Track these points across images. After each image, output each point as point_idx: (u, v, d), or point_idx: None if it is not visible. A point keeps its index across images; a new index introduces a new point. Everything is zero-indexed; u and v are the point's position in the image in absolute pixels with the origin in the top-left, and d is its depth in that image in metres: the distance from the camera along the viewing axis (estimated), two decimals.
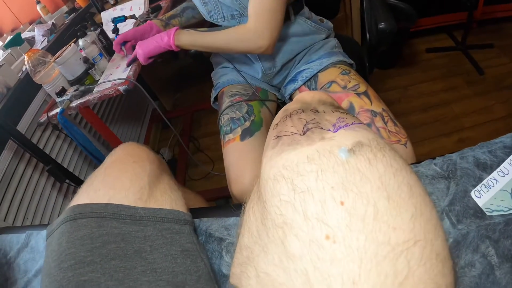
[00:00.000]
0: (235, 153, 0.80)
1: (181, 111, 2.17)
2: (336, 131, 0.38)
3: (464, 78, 1.75)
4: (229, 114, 0.87)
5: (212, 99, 1.02)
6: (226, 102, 0.91)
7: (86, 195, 0.47)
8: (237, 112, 0.86)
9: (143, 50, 0.88)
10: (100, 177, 0.50)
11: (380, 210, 0.28)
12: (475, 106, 1.59)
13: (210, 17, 0.86)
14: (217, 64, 1.05)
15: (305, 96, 0.50)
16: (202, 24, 0.97)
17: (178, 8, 1.04)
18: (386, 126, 0.71)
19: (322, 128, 0.39)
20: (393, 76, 1.89)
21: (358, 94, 0.77)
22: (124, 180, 0.49)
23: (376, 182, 0.30)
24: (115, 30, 1.13)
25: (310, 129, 0.39)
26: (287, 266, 0.28)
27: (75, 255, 0.39)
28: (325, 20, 0.94)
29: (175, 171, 1.75)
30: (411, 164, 0.51)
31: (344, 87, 0.80)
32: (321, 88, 0.85)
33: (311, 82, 0.88)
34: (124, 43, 1.02)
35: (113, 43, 1.01)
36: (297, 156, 0.34)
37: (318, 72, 0.87)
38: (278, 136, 0.41)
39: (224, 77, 0.99)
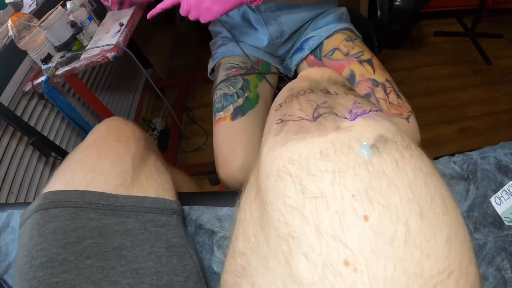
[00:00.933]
0: (225, 133, 0.74)
1: (176, 80, 2.08)
2: (353, 119, 0.31)
3: (471, 66, 1.70)
4: (222, 90, 0.81)
5: (209, 70, 0.95)
6: (221, 75, 0.84)
7: (62, 180, 0.42)
8: (231, 87, 0.80)
9: (220, 4, 0.65)
10: (79, 157, 0.45)
11: (413, 231, 0.22)
12: (480, 96, 1.55)
13: None
14: (216, 34, 0.97)
15: (312, 73, 0.43)
16: None
17: None
18: (388, 97, 0.66)
19: (336, 115, 0.32)
20: (398, 57, 1.83)
21: (361, 62, 0.72)
22: (105, 162, 0.44)
23: (407, 191, 0.24)
24: None
25: (322, 114, 0.33)
26: None
27: (46, 252, 0.35)
28: None
29: (167, 142, 1.69)
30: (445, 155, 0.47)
31: (347, 54, 0.75)
32: (324, 56, 0.79)
33: (317, 51, 0.82)
34: None
35: None
36: (307, 148, 0.28)
37: (324, 39, 0.81)
38: (282, 120, 0.35)
39: (223, 48, 0.91)
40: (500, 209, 0.41)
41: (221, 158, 0.72)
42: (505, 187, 0.42)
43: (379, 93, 0.66)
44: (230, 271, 0.31)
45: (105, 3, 0.89)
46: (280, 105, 0.38)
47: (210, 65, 0.95)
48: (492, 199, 0.41)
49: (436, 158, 0.45)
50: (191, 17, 0.65)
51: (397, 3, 0.83)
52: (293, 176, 0.26)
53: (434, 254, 0.22)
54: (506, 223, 0.40)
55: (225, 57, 0.89)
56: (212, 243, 0.47)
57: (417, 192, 0.24)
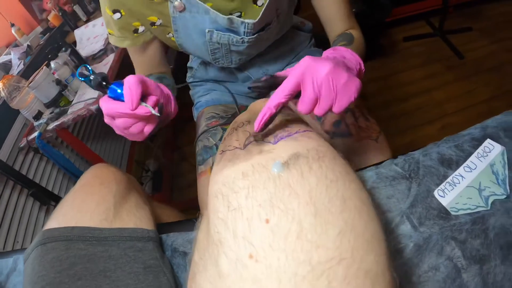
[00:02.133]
0: (206, 188, 0.71)
1: None
2: (276, 143, 0.38)
3: (444, 64, 1.75)
4: (203, 141, 0.79)
5: (195, 119, 0.93)
6: (202, 126, 0.84)
7: (55, 220, 0.49)
8: (211, 139, 0.78)
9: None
10: (69, 200, 0.52)
11: (305, 227, 0.27)
12: (457, 91, 1.59)
13: (216, 62, 0.74)
14: (195, 85, 0.95)
15: (257, 104, 0.50)
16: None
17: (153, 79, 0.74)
18: (357, 122, 0.70)
19: (263, 141, 0.39)
20: (371, 69, 1.88)
21: None
22: (90, 203, 0.51)
23: (305, 197, 0.29)
24: (101, 85, 0.47)
25: (251, 142, 0.39)
26: (217, 285, 0.29)
27: (45, 277, 0.42)
28: (306, 22, 0.89)
29: (161, 182, 1.74)
30: (387, 159, 0.50)
31: None
32: None
33: None
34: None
35: (126, 97, 0.45)
36: (234, 172, 0.34)
37: None
38: (223, 151, 0.41)
39: (208, 96, 0.89)
40: (444, 201, 0.44)
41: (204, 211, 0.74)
42: (448, 179, 0.45)
43: (349, 119, 0.70)
44: (188, 279, 0.37)
45: (142, 113, 0.47)
46: (225, 138, 0.45)
47: (195, 114, 0.93)
48: (435, 193, 0.44)
49: (379, 163, 0.49)
50: (322, 108, 0.41)
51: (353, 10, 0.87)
52: (223, 195, 0.33)
53: (324, 245, 0.26)
54: (453, 213, 0.43)
55: (208, 106, 0.88)
56: (185, 263, 0.51)
57: (315, 196, 0.29)
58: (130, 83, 0.44)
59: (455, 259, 0.40)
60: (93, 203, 0.51)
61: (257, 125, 0.39)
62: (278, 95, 0.40)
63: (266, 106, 0.39)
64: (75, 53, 1.18)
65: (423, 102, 1.59)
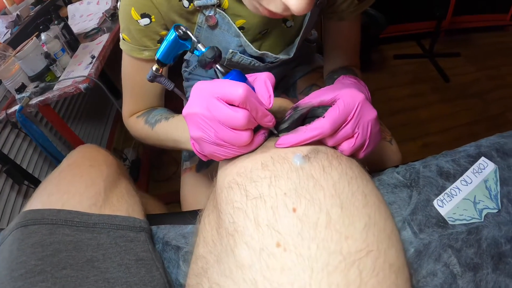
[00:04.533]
0: (190, 184, 0.74)
1: None
2: None
3: (430, 85, 1.81)
4: None
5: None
6: None
7: (39, 200, 0.45)
8: None
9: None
10: (55, 180, 0.48)
11: (333, 218, 0.27)
12: (440, 112, 1.65)
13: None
14: (192, 78, 0.92)
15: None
16: None
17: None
18: None
19: (277, 135, 0.38)
20: None
21: None
22: (79, 184, 0.47)
23: (330, 189, 0.29)
24: (214, 59, 0.39)
25: (266, 136, 0.39)
26: (236, 276, 0.27)
27: (25, 264, 0.38)
28: (312, 32, 0.89)
29: (138, 172, 1.68)
30: (393, 167, 0.50)
31: None
32: (301, 93, 0.81)
33: (289, 90, 0.85)
34: None
35: (261, 92, 0.36)
36: (251, 162, 0.33)
37: (298, 79, 0.84)
38: None
39: None
40: (443, 211, 0.45)
41: (186, 208, 0.73)
42: (446, 191, 0.47)
43: None
44: (193, 275, 0.35)
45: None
46: None
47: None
48: (434, 202, 0.46)
49: (381, 170, 0.50)
50: (351, 148, 0.37)
51: None
52: (239, 185, 0.32)
53: (352, 236, 0.27)
54: (450, 222, 0.44)
55: None
56: (178, 258, 0.49)
57: (339, 189, 0.29)
58: (270, 78, 0.36)
59: (451, 266, 0.41)
60: (82, 185, 0.47)
61: (290, 143, 0.34)
62: (325, 128, 0.33)
63: (308, 135, 0.34)
64: (67, 28, 1.13)
65: (407, 119, 1.65)
